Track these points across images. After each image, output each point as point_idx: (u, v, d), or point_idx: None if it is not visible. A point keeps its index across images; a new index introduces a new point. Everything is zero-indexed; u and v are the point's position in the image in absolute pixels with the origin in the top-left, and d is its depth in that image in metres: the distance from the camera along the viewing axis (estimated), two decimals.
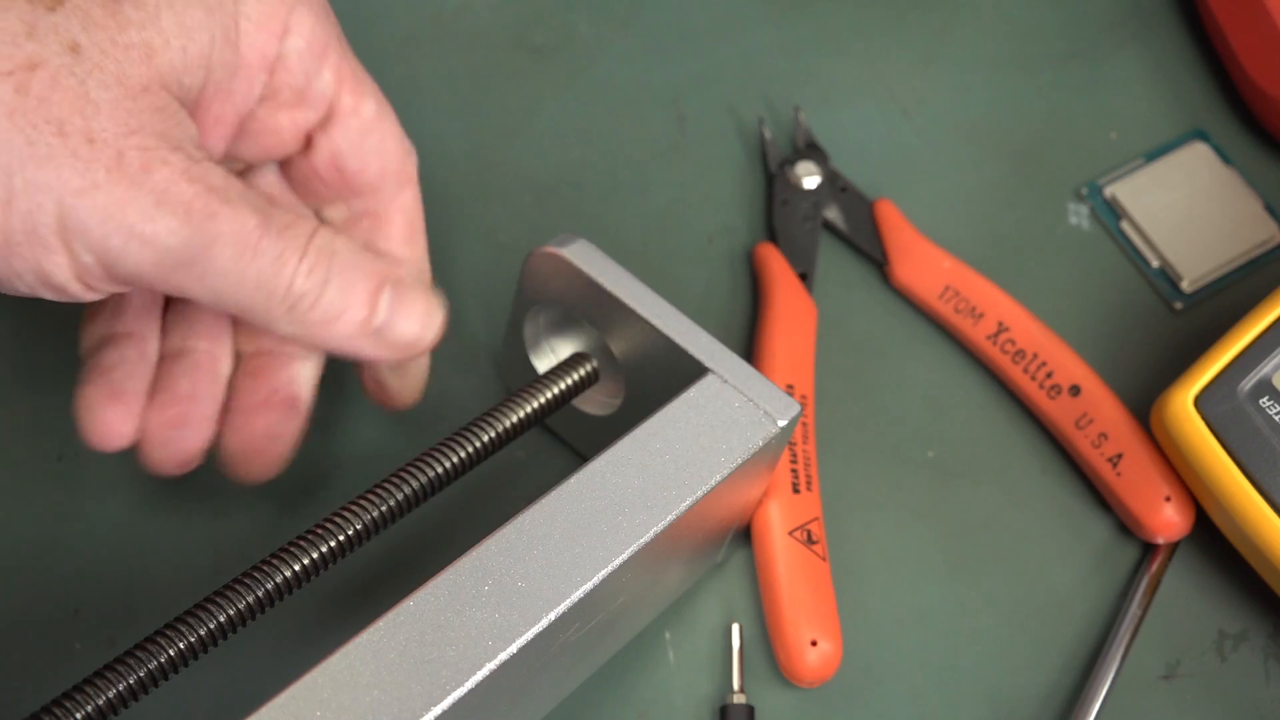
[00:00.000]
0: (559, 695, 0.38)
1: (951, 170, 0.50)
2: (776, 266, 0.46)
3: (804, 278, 0.46)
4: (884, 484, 0.44)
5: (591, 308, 0.37)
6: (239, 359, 0.39)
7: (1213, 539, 0.43)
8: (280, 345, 0.39)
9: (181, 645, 0.31)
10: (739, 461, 0.34)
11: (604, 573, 0.32)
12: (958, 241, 0.48)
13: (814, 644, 0.39)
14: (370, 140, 0.39)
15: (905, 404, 0.46)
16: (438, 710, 0.29)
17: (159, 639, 0.31)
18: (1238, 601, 0.43)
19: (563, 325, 0.40)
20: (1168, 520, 0.42)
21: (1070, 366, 0.44)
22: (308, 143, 0.38)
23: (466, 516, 0.42)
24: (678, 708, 0.40)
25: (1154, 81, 0.52)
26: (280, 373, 0.38)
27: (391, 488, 0.34)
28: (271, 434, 0.38)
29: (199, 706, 0.38)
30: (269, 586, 0.32)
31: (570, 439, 0.43)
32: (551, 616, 0.31)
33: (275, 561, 0.32)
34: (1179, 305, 0.48)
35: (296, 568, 0.32)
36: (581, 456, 0.43)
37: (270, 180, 0.39)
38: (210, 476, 0.38)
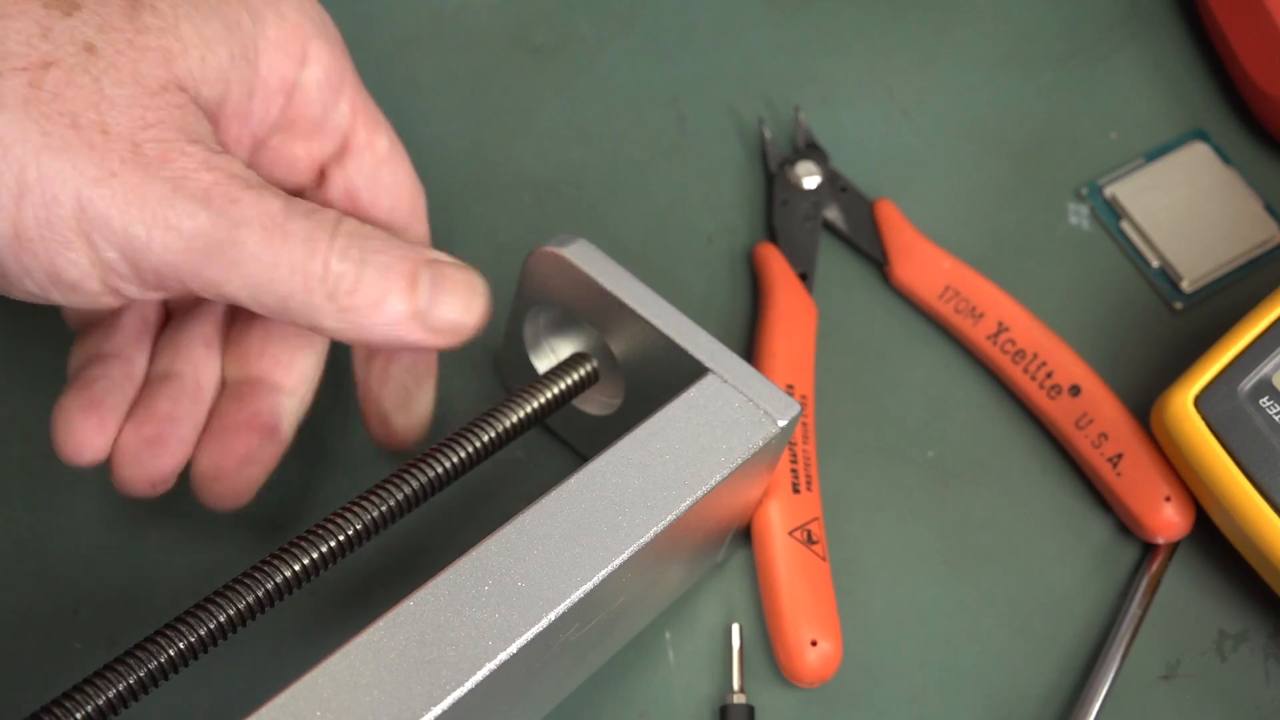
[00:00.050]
0: (559, 695, 0.38)
1: (951, 170, 0.50)
2: (776, 266, 0.46)
3: (804, 278, 0.46)
4: (884, 484, 0.44)
5: (591, 308, 0.37)
6: (224, 385, 0.38)
7: (1213, 539, 0.43)
8: (269, 372, 0.38)
9: (181, 645, 0.31)
10: (739, 461, 0.34)
11: (604, 573, 0.32)
12: (958, 241, 0.48)
13: (814, 644, 0.39)
14: (383, 175, 0.39)
15: (905, 404, 0.46)
16: (438, 710, 0.29)
17: (159, 639, 0.31)
18: (1238, 601, 0.43)
19: (563, 325, 0.40)
20: (1168, 520, 0.42)
21: (1070, 366, 0.44)
22: (321, 176, 0.38)
23: (466, 516, 0.42)
24: (678, 708, 0.40)
25: (1154, 81, 0.52)
26: (264, 399, 0.38)
27: (391, 488, 0.34)
28: (248, 457, 0.37)
29: (199, 706, 0.38)
30: (269, 586, 0.32)
31: (570, 439, 0.43)
32: (551, 616, 0.31)
33: (275, 561, 0.32)
34: (1179, 305, 0.48)
35: (296, 568, 0.32)
36: (581, 456, 0.43)
37: None
38: None
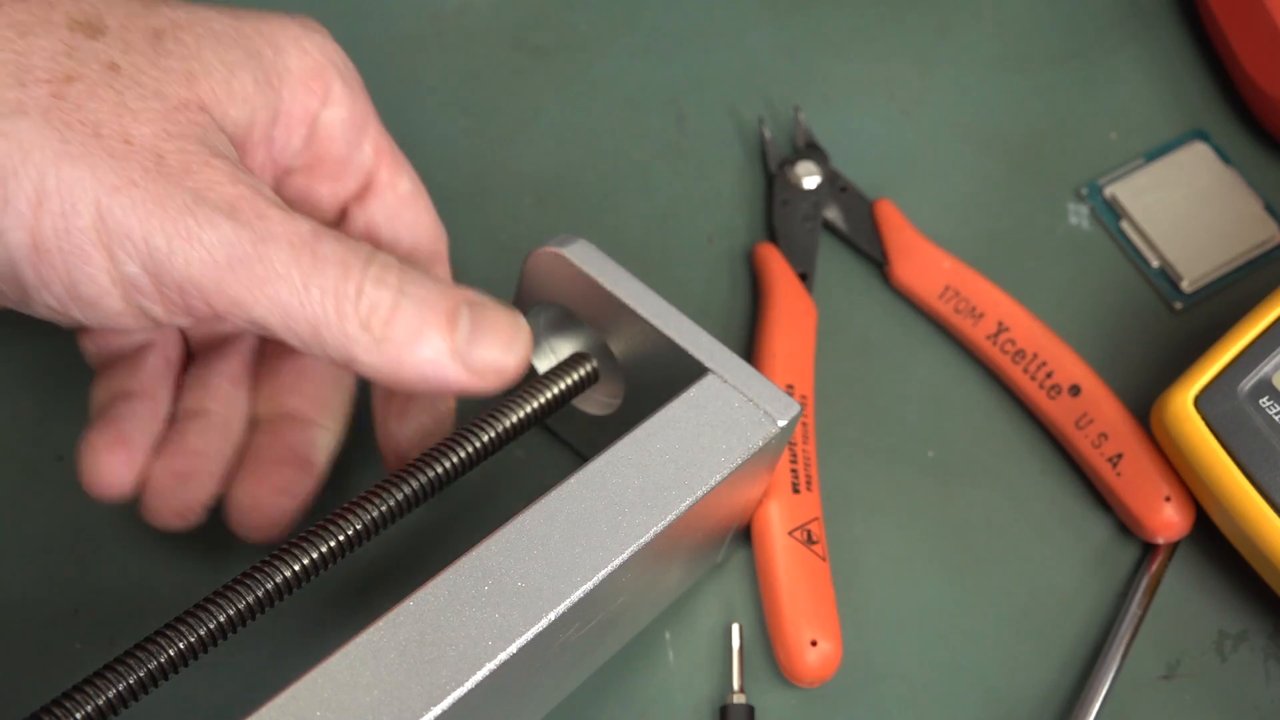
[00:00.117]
0: (559, 695, 0.38)
1: (951, 170, 0.50)
2: (776, 266, 0.46)
3: (804, 278, 0.46)
4: (884, 484, 0.44)
5: (591, 308, 0.37)
6: (255, 423, 0.38)
7: (1213, 539, 0.43)
8: (300, 409, 0.38)
9: (181, 645, 0.31)
10: (739, 461, 0.34)
11: (604, 573, 0.32)
12: (958, 241, 0.48)
13: (814, 644, 0.39)
14: (405, 215, 0.39)
15: (905, 404, 0.46)
16: (438, 710, 0.29)
17: (159, 639, 0.31)
18: (1238, 601, 0.43)
19: (563, 325, 0.40)
20: (1168, 520, 0.42)
21: (1070, 366, 0.44)
22: (342, 214, 0.38)
23: (466, 516, 0.42)
24: (678, 708, 0.40)
25: (1154, 81, 0.52)
26: (300, 434, 0.37)
27: (391, 488, 0.34)
28: (283, 489, 0.37)
29: (199, 706, 0.38)
30: (269, 586, 0.32)
31: (570, 439, 0.43)
32: (551, 616, 0.31)
33: (275, 561, 0.32)
34: (1179, 305, 0.48)
35: (296, 568, 0.32)
36: (581, 456, 0.43)
37: None
38: None
